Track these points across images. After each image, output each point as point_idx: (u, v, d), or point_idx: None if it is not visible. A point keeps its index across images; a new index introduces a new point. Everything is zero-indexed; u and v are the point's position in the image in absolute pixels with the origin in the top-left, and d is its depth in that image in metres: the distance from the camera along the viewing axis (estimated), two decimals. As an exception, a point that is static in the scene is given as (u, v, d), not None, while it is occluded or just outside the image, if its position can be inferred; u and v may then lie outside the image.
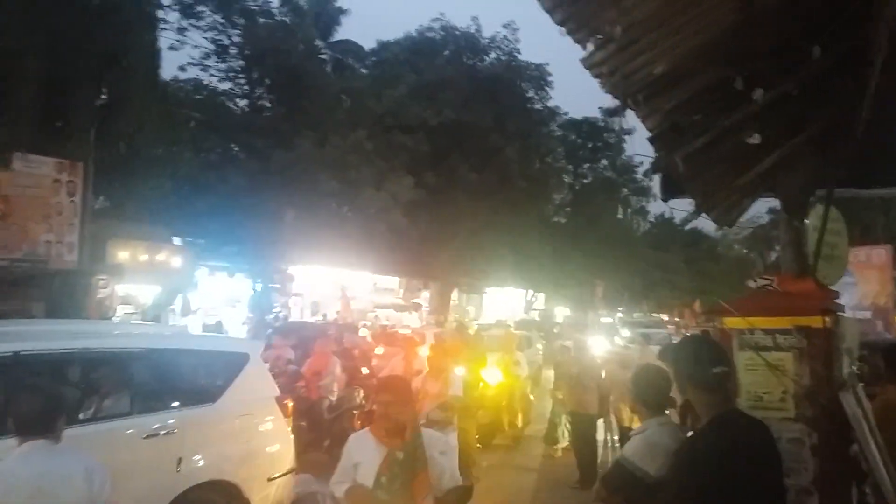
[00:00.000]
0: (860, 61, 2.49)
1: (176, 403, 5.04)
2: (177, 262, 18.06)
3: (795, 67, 2.75)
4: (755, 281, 3.64)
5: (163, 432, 4.75)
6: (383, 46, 29.43)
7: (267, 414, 5.60)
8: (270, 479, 5.35)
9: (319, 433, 8.39)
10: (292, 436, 5.81)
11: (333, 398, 9.13)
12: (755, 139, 2.95)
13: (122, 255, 16.25)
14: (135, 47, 13.39)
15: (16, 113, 11.86)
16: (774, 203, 4.17)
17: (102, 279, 15.31)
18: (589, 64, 2.45)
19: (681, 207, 3.64)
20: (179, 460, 4.75)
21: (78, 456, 2.79)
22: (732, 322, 3.33)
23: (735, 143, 3.00)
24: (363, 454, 3.32)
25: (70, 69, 12.47)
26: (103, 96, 14.03)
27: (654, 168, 3.09)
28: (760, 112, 2.88)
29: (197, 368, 5.46)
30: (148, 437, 4.68)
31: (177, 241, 19.21)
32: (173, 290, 18.13)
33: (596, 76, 2.52)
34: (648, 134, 3.27)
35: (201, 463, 4.91)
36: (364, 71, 28.72)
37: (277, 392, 5.86)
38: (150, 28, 14.85)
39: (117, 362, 4.95)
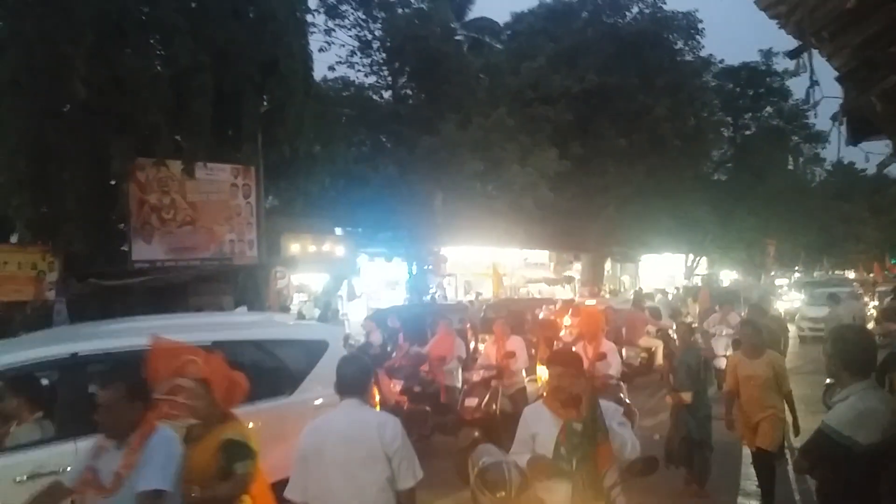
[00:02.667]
0: None
1: (250, 397, 4.40)
2: (340, 250, 19.27)
3: None
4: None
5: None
6: (518, 18, 29.03)
7: None
8: None
9: (444, 416, 8.20)
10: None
11: (458, 382, 8.93)
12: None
13: (294, 247, 17.62)
14: (290, 54, 14.22)
15: (194, 126, 13.09)
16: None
17: (279, 270, 16.71)
18: (765, 4, 2.26)
19: (875, 150, 3.26)
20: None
21: (375, 413, 3.63)
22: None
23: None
24: (539, 425, 3.36)
25: (236, 81, 13.51)
26: (265, 103, 15.10)
27: (845, 109, 2.79)
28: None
29: (269, 359, 5.14)
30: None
31: (338, 231, 20.47)
32: (339, 276, 19.39)
33: (773, 16, 2.31)
34: (829, 75, 2.96)
35: (275, 459, 4.41)
36: (500, 46, 28.55)
37: None
38: (302, 33, 15.69)
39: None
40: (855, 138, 3.55)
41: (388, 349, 10.55)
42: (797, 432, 5.75)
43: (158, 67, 12.98)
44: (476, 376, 7.89)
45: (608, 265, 33.05)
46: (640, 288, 29.25)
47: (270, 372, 5.10)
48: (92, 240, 12.85)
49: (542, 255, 29.72)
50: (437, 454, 7.34)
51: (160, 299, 13.37)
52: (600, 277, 29.94)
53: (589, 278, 28.58)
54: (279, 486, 4.54)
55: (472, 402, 7.37)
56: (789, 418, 5.89)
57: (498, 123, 21.10)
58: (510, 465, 3.22)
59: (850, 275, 38.70)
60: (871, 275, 28.50)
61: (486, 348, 8.14)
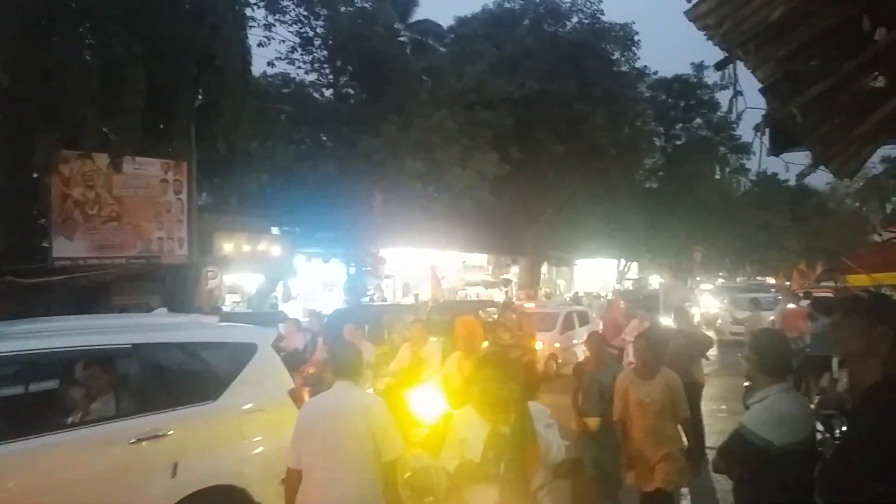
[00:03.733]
0: None
1: (170, 403, 4.50)
2: (276, 250, 18.88)
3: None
4: (880, 235, 3.39)
5: (153, 436, 4.28)
6: (461, 22, 29.21)
7: (278, 409, 4.93)
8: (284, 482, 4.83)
9: None
10: None
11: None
12: (879, 82, 2.71)
13: (227, 246, 17.15)
14: (227, 47, 13.85)
15: (124, 118, 12.59)
16: (890, 151, 3.83)
17: (211, 270, 16.22)
18: (694, 16, 2.31)
19: (794, 161, 3.41)
20: (175, 465, 4.30)
21: (364, 394, 4.16)
22: (856, 279, 3.12)
23: (857, 88, 2.77)
24: (468, 430, 3.34)
25: (170, 73, 13.07)
26: (200, 97, 14.66)
27: (768, 121, 2.89)
28: (885, 53, 2.64)
29: (194, 363, 4.92)
30: (136, 442, 4.22)
31: (275, 230, 20.07)
32: (275, 277, 18.99)
33: (701, 28, 2.38)
34: (758, 87, 3.07)
35: (201, 467, 4.43)
36: (443, 49, 28.65)
37: (291, 384, 5.27)
38: (241, 27, 15.31)
39: (96, 360, 4.55)
40: (776, 149, 3.70)
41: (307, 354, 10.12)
42: (696, 471, 5.16)
43: (88, 57, 12.41)
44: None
45: (545, 269, 33.65)
46: (577, 292, 29.91)
47: (195, 376, 4.90)
48: (10, 235, 12.19)
49: (481, 258, 29.99)
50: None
51: (82, 299, 12.78)
52: (537, 281, 30.42)
53: (526, 282, 28.99)
54: (208, 494, 4.45)
55: None
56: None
57: (439, 126, 21.16)
58: (438, 471, 3.19)
59: (772, 281, 40.62)
60: (788, 283, 30.01)
61: (401, 352, 7.41)
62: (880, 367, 2.34)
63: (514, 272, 30.81)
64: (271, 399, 5.07)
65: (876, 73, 2.70)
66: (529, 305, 17.81)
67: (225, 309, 15.75)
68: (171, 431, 4.38)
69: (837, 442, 3.91)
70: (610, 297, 23.24)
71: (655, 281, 38.50)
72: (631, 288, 33.96)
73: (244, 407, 4.89)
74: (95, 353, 4.53)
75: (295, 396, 5.18)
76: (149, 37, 12.37)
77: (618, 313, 11.58)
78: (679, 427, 4.97)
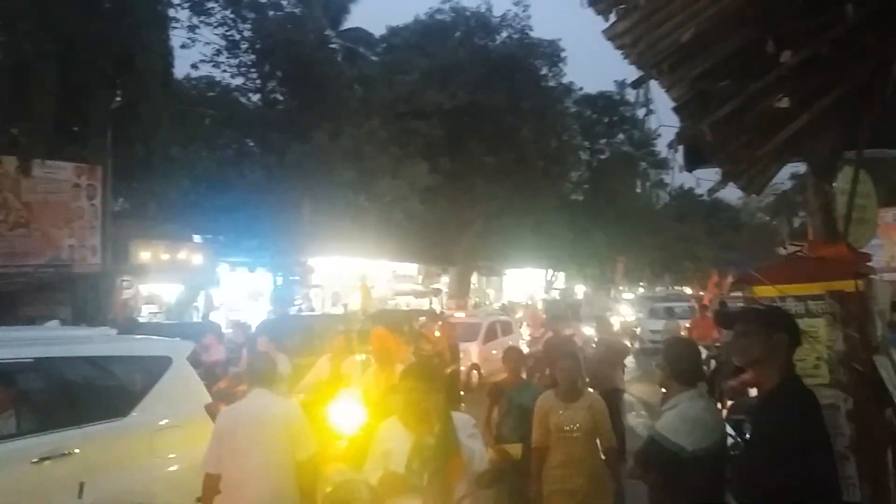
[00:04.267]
0: (891, 20, 2.41)
1: (75, 420, 4.29)
2: (198, 259, 18.26)
3: (826, 27, 2.67)
4: (784, 248, 3.58)
5: (57, 455, 4.07)
6: (393, 32, 29.24)
7: (194, 426, 4.76)
8: (199, 500, 4.52)
9: None
10: None
11: None
12: (784, 103, 2.88)
13: (145, 255, 16.46)
14: (147, 48, 13.45)
15: (34, 119, 12.00)
16: (798, 168, 4.09)
17: (126, 280, 15.55)
18: (611, 35, 2.39)
19: (706, 177, 3.58)
20: (81, 486, 4.11)
21: (280, 400, 4.37)
22: (762, 290, 3.28)
23: (763, 108, 2.93)
24: (392, 442, 3.32)
25: (85, 73, 12.58)
26: (118, 99, 14.13)
27: (680, 138, 3.02)
28: (789, 75, 2.81)
29: (103, 377, 4.73)
30: (38, 461, 4.01)
31: (197, 238, 19.42)
32: (196, 287, 18.36)
33: (618, 47, 2.46)
34: (671, 105, 3.20)
35: (110, 487, 4.25)
36: (375, 58, 28.59)
37: (208, 399, 5.10)
38: (162, 28, 14.90)
39: None
40: (690, 165, 3.87)
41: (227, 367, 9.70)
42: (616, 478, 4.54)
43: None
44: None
45: (474, 278, 33.96)
46: (508, 301, 30.33)
47: (103, 391, 4.72)
48: None
49: (411, 268, 29.98)
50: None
51: (-16, 309, 11.99)
52: (467, 290, 30.67)
53: (456, 291, 29.17)
54: None
55: None
56: None
57: (370, 134, 21.08)
58: (360, 484, 3.14)
59: (688, 291, 42.51)
60: (703, 293, 31.45)
61: (319, 364, 6.98)
62: (778, 373, 2.49)
63: (444, 282, 30.94)
64: (186, 414, 4.90)
65: (781, 94, 2.87)
66: (459, 315, 17.91)
67: (142, 320, 15.08)
68: (77, 450, 4.18)
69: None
70: (527, 304, 23.68)
71: (581, 290, 39.62)
72: (558, 297, 34.76)
73: (157, 423, 4.71)
74: None
75: (211, 412, 4.98)
76: (62, 35, 11.83)
77: (535, 322, 11.75)
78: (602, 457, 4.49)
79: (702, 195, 40.93)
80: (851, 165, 3.66)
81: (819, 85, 2.84)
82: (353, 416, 5.50)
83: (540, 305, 27.65)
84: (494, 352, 15.10)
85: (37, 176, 13.30)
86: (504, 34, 28.71)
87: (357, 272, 23.64)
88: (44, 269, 13.71)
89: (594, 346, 9.91)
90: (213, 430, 4.05)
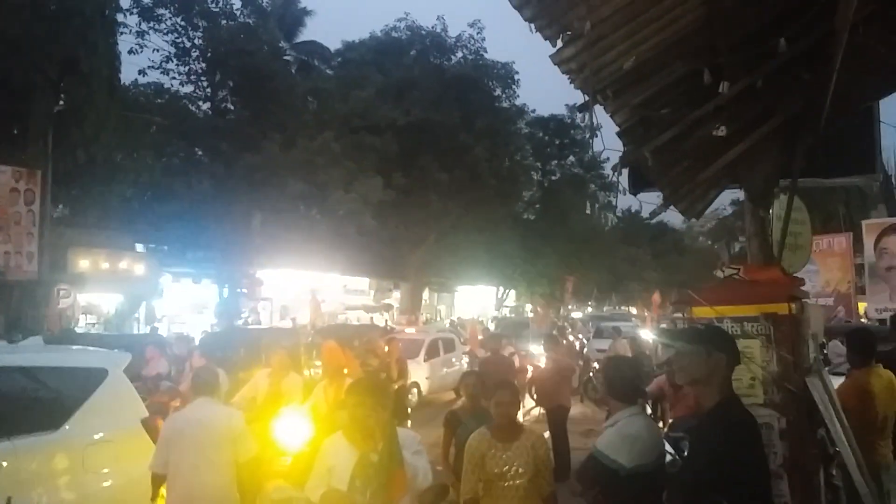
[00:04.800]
0: (823, 55, 2.55)
1: (4, 432, 4.16)
2: (140, 269, 17.74)
3: (761, 61, 2.81)
4: (722, 271, 3.72)
5: None
6: (349, 47, 29.25)
7: (130, 440, 4.71)
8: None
9: None
10: None
11: None
12: (721, 131, 3.01)
13: (83, 263, 15.90)
14: (93, 52, 13.06)
15: (-32, 120, 11.50)
16: (738, 194, 4.27)
17: (63, 289, 14.95)
18: (558, 60, 2.46)
19: (649, 201, 3.69)
20: (9, 500, 4.00)
21: (223, 408, 4.68)
22: (701, 311, 3.39)
23: (702, 135, 3.05)
24: (337, 458, 3.27)
25: (26, 75, 12.15)
26: (61, 102, 13.69)
27: (623, 162, 3.12)
28: (727, 104, 2.93)
29: (34, 388, 4.60)
30: None
31: (140, 248, 18.87)
32: (137, 298, 17.81)
33: (565, 72, 2.53)
34: (615, 130, 3.30)
35: (39, 502, 4.18)
36: (330, 72, 28.50)
37: (145, 413, 5.00)
38: (109, 32, 14.51)
39: None
40: (635, 189, 3.99)
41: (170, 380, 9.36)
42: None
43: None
44: None
45: (426, 294, 33.96)
46: (458, 318, 30.37)
47: (34, 403, 4.55)
48: None
49: (363, 283, 29.76)
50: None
51: None
52: (418, 306, 30.61)
53: (407, 306, 29.08)
54: None
55: None
56: None
57: (323, 147, 20.93)
58: (301, 502, 3.09)
59: (634, 311, 43.45)
60: (647, 313, 32.19)
61: (256, 378, 6.69)
62: (717, 392, 2.53)
63: (395, 297, 30.82)
64: (122, 428, 4.77)
65: (719, 123, 2.99)
66: (410, 331, 17.82)
67: (79, 331, 14.50)
68: (5, 463, 4.06)
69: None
70: (468, 320, 23.65)
71: (530, 309, 39.99)
72: (509, 315, 35.01)
73: (91, 437, 4.55)
74: None
75: (149, 426, 4.86)
76: (5, 35, 11.42)
77: (474, 340, 11.56)
78: None
79: (647, 218, 42.15)
80: (787, 193, 3.84)
81: (755, 115, 2.98)
82: (299, 432, 5.41)
83: (491, 323, 27.80)
84: (445, 370, 15.07)
85: (-30, 179, 12.73)
86: (459, 55, 29.09)
87: (307, 285, 23.38)
88: (-26, 276, 13.08)
89: (542, 364, 10.02)
90: (161, 434, 4.33)
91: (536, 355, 13.53)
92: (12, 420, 4.25)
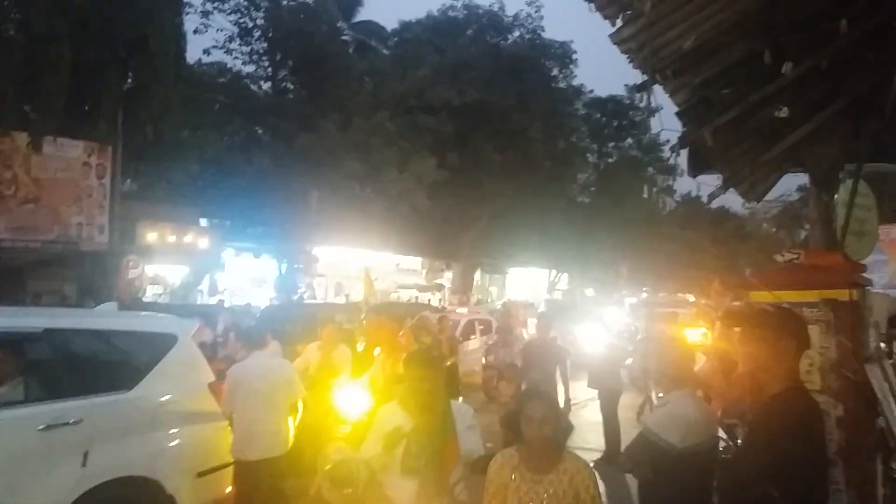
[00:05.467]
0: (888, 35, 2.47)
1: (82, 390, 4.39)
2: (204, 243, 18.37)
3: (824, 41, 2.73)
4: (783, 255, 3.65)
5: (63, 423, 4.16)
6: (405, 27, 29.27)
7: (197, 402, 5.02)
8: (201, 474, 4.88)
9: None
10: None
11: None
12: (784, 113, 2.95)
13: (151, 236, 16.57)
14: (160, 31, 13.49)
15: (46, 97, 12.07)
16: (805, 180, 4.15)
17: (132, 260, 15.65)
18: (617, 40, 2.46)
19: (709, 183, 3.65)
20: (86, 454, 4.22)
21: (277, 360, 5.71)
22: (759, 296, 3.34)
23: (763, 117, 3.00)
24: (392, 425, 3.41)
25: (97, 53, 12.65)
26: (130, 80, 14.21)
27: (682, 143, 3.09)
28: (790, 86, 2.87)
29: (110, 351, 4.82)
30: (45, 428, 4.10)
31: (203, 222, 19.53)
32: (200, 270, 18.47)
33: (624, 52, 2.53)
34: (675, 111, 3.27)
35: (113, 457, 4.38)
36: (386, 52, 28.62)
37: (211, 377, 5.26)
38: (176, 12, 14.94)
39: (5, 343, 4.34)
40: (694, 171, 3.94)
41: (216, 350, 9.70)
42: None
43: (12, 32, 11.85)
44: None
45: (478, 275, 34.02)
46: (509, 299, 30.36)
47: (110, 364, 4.79)
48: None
49: (415, 262, 30.05)
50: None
51: (-7, 282, 12.12)
52: (470, 287, 30.72)
53: (459, 287, 29.22)
54: (120, 485, 4.38)
55: None
56: None
57: (379, 127, 21.13)
58: (358, 463, 3.24)
59: (691, 298, 42.43)
60: (703, 301, 31.41)
61: (308, 352, 6.97)
62: (783, 379, 2.45)
63: (447, 277, 31.00)
64: (190, 391, 5.02)
65: (781, 104, 2.93)
66: (461, 311, 17.92)
67: (146, 300, 15.21)
68: (83, 419, 4.26)
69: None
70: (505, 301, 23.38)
71: (584, 293, 39.57)
72: (560, 298, 34.76)
73: (160, 398, 4.80)
74: (4, 336, 4.33)
75: (214, 390, 5.13)
76: (76, 15, 11.90)
77: (509, 321, 11.15)
78: None
79: (707, 202, 40.90)
80: (852, 178, 3.72)
81: (819, 97, 2.91)
82: (358, 402, 5.62)
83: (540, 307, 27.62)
84: (475, 347, 14.77)
85: (47, 153, 13.39)
86: (516, 34, 28.74)
87: (361, 263, 23.77)
88: (51, 244, 13.82)
89: (594, 347, 10.02)
90: (226, 383, 4.99)
91: (583, 339, 13.46)
92: (89, 380, 4.51)
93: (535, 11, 28.30)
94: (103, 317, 5.33)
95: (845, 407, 3.04)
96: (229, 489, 5.16)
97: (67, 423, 4.18)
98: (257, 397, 4.92)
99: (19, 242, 13.27)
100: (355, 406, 5.64)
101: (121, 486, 4.38)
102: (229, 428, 5.16)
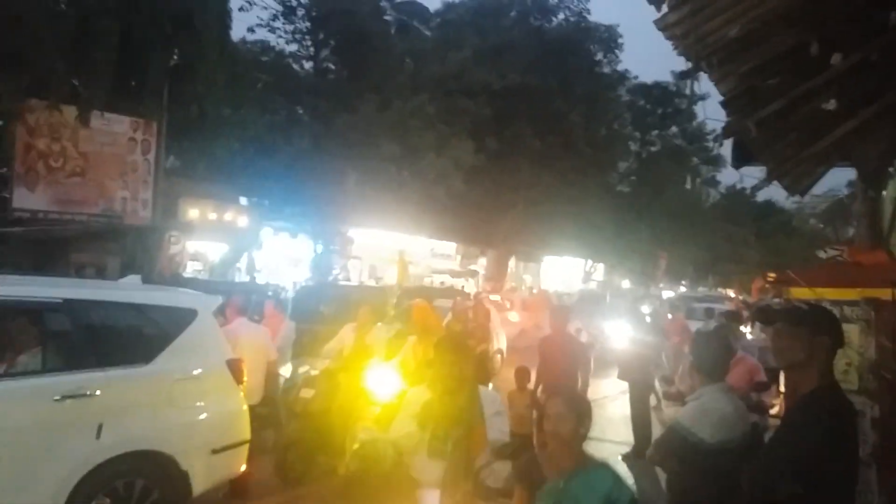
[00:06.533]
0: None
1: (99, 363, 4.36)
2: (243, 221, 18.67)
3: (874, 33, 2.62)
4: (825, 252, 3.56)
5: (79, 394, 4.15)
6: (448, 7, 29.09)
7: (215, 379, 4.97)
8: (215, 451, 4.80)
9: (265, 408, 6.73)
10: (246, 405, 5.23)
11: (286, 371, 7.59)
12: (831, 105, 2.85)
13: (193, 212, 16.90)
14: (206, 9, 13.65)
15: (94, 72, 12.33)
16: (855, 175, 4.02)
17: (174, 235, 16.00)
18: (663, 25, 2.40)
19: (753, 175, 3.56)
20: (100, 427, 4.18)
21: (256, 326, 6.98)
22: (799, 293, 3.27)
23: (810, 109, 2.90)
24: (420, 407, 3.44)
25: (144, 30, 12.84)
26: (175, 57, 14.41)
27: (726, 132, 3.02)
28: (838, 78, 2.77)
29: (128, 324, 4.80)
30: (60, 398, 4.08)
31: (243, 200, 19.84)
32: (239, 248, 18.79)
33: (669, 38, 2.47)
34: (720, 100, 3.20)
35: (127, 430, 4.35)
36: (428, 33, 28.50)
37: (230, 354, 5.21)
38: (221, -11, 15.06)
39: (25, 312, 4.34)
40: (739, 162, 3.84)
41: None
42: None
43: (62, 6, 12.12)
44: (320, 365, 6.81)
45: (512, 262, 33.89)
46: (537, 289, 30.18)
47: (128, 337, 4.78)
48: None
49: (450, 247, 30.07)
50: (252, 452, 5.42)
51: (39, 253, 12.53)
52: (504, 274, 30.64)
53: (493, 274, 29.17)
54: (133, 458, 4.40)
55: (307, 393, 6.33)
56: None
57: (418, 109, 21.10)
58: (385, 444, 3.29)
59: (731, 294, 41.56)
60: (742, 297, 30.69)
61: (343, 332, 6.99)
62: (817, 377, 2.39)
63: (481, 264, 30.95)
64: (208, 368, 4.97)
65: (829, 96, 2.83)
66: (495, 297, 17.92)
67: (186, 276, 15.56)
68: (99, 391, 4.26)
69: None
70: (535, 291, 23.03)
71: (621, 284, 39.07)
72: (597, 289, 34.40)
73: (178, 373, 4.77)
74: (24, 305, 4.34)
75: (234, 367, 5.10)
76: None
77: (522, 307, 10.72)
78: None
79: (754, 196, 39.92)
80: (902, 174, 3.60)
81: (868, 90, 2.80)
82: (388, 384, 5.67)
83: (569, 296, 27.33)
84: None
85: (94, 127, 13.71)
86: (560, 16, 28.36)
87: (395, 247, 23.89)
88: (96, 218, 14.20)
89: (623, 342, 9.93)
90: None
91: (612, 333, 13.29)
92: (106, 352, 4.48)
93: (582, -7, 27.86)
94: (123, 290, 5.28)
95: (882, 408, 2.97)
96: (244, 467, 5.14)
97: (83, 395, 4.18)
98: (248, 355, 5.77)
99: (66, 215, 13.68)
100: (385, 388, 5.71)
101: (134, 459, 4.37)
102: (246, 406, 5.17)
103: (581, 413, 2.51)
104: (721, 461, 3.02)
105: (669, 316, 18.63)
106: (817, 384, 2.39)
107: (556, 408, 2.56)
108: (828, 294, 3.26)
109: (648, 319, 10.90)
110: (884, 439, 2.87)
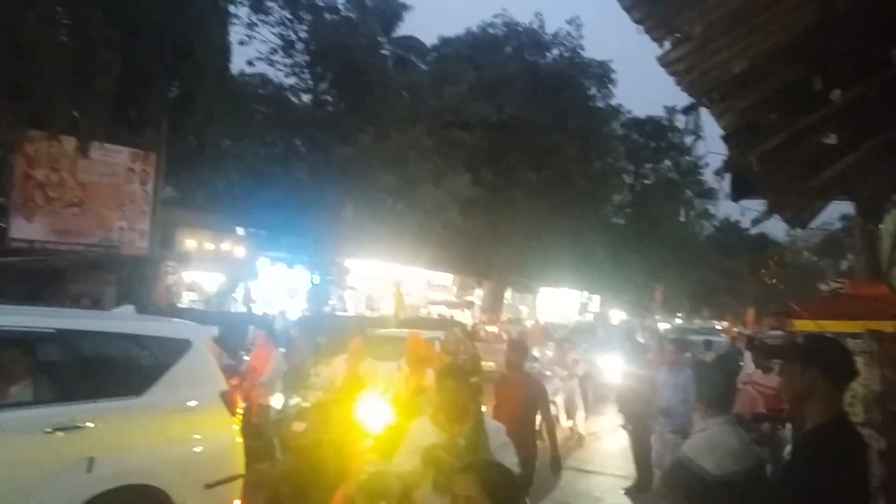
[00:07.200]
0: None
1: (90, 394, 4.25)
2: (240, 251, 18.64)
3: (874, 70, 2.69)
4: (827, 284, 3.58)
5: (69, 427, 4.04)
6: (444, 42, 29.59)
7: (209, 411, 4.85)
8: (209, 486, 4.66)
9: (254, 441, 6.51)
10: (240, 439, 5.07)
11: (277, 403, 7.53)
12: (831, 140, 2.90)
13: (190, 243, 16.87)
14: (206, 42, 13.81)
15: (95, 103, 12.41)
16: (848, 208, 4.07)
17: (171, 266, 15.94)
18: (665, 62, 2.46)
19: (751, 207, 3.60)
20: (91, 460, 4.06)
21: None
22: (802, 325, 3.28)
23: (811, 143, 2.96)
24: (424, 440, 3.39)
25: (144, 62, 12.95)
26: (175, 89, 14.54)
27: (727, 166, 3.07)
28: (838, 113, 2.83)
29: (122, 354, 4.70)
30: (50, 431, 3.97)
31: (240, 231, 19.85)
32: (236, 278, 18.74)
33: (672, 74, 2.53)
34: (720, 134, 3.25)
35: (120, 464, 4.24)
36: (425, 67, 28.94)
37: (224, 387, 5.07)
38: (222, 23, 15.29)
39: (17, 342, 4.22)
40: (737, 195, 3.89)
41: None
42: None
43: (64, 38, 12.25)
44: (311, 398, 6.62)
45: (508, 294, 33.88)
46: (532, 321, 30.09)
47: (120, 368, 4.68)
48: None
49: (446, 278, 30.07)
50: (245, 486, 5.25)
51: (36, 283, 12.46)
52: (500, 305, 30.60)
53: (489, 305, 29.13)
54: (125, 493, 4.25)
55: (299, 426, 6.00)
56: None
57: (415, 142, 21.32)
58: (391, 476, 3.23)
59: (721, 325, 41.52)
60: (737, 328, 30.69)
61: (335, 363, 6.81)
62: (824, 410, 2.35)
63: (477, 295, 30.93)
64: (201, 399, 4.88)
65: (829, 131, 2.89)
66: (491, 329, 17.87)
67: (181, 306, 15.47)
68: (90, 424, 4.15)
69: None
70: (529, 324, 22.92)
71: (616, 316, 39.03)
72: (591, 320, 34.33)
73: (171, 405, 4.66)
74: (16, 335, 4.22)
75: (227, 399, 5.00)
76: (126, 22, 12.26)
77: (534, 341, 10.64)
78: None
79: (748, 228, 40.16)
80: (900, 207, 3.64)
81: (868, 125, 2.86)
82: (381, 415, 5.59)
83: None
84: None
85: (94, 158, 13.74)
86: (555, 52, 28.83)
87: (392, 277, 23.87)
88: (93, 248, 14.15)
89: (618, 376, 9.87)
90: None
91: (605, 366, 13.20)
92: (98, 383, 4.37)
93: (575, 30, 28.42)
94: (117, 319, 5.16)
95: (888, 441, 2.95)
96: (237, 502, 5.00)
97: (74, 427, 4.08)
98: None
99: (63, 245, 13.63)
100: (377, 419, 5.63)
101: (126, 494, 4.22)
102: (240, 439, 5.02)
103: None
104: (727, 494, 3.00)
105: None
106: (825, 418, 2.36)
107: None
108: (830, 326, 3.27)
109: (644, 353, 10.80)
110: (891, 472, 2.85)
